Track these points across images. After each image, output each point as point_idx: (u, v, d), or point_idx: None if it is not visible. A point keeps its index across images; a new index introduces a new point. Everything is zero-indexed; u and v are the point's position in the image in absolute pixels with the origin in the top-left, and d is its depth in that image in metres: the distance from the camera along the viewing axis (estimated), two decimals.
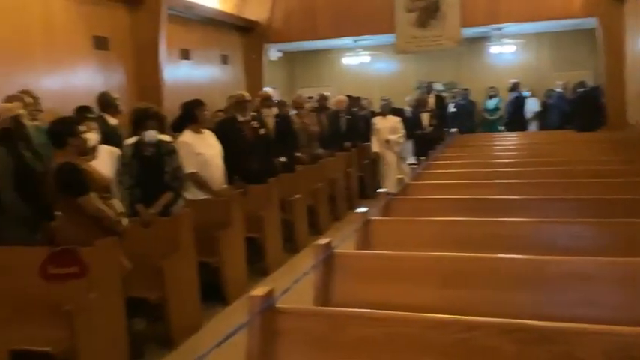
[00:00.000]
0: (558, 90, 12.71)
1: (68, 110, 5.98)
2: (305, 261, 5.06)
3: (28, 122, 4.44)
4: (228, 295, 5.22)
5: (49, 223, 4.02)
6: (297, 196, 6.95)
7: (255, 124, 6.53)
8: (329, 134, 9.24)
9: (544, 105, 13.33)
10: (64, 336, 3.29)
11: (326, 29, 12.97)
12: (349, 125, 9.70)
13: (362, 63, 14.87)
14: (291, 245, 6.84)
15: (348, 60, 14.98)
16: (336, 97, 10.02)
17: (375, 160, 9.80)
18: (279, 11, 13.27)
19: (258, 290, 2.16)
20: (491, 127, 13.40)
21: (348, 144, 9.54)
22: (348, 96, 10.42)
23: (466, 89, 13.77)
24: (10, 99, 4.76)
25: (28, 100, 5.02)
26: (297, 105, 8.86)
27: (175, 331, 4.39)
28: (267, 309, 2.12)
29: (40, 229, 4.02)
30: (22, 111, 4.30)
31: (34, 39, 7.49)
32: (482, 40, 13.93)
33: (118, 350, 3.71)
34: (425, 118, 9.86)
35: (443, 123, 10.68)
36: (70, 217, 3.85)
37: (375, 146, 9.64)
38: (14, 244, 3.91)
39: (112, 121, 5.90)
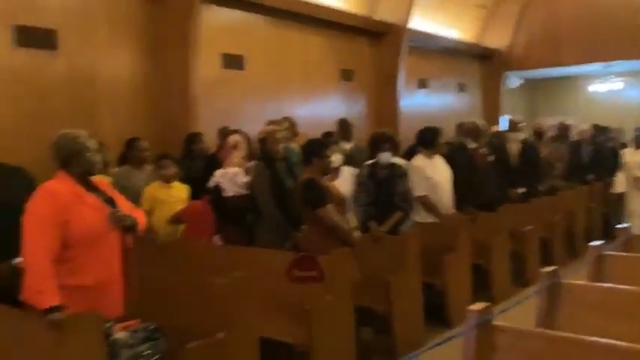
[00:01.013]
0: None
1: (317, 135, 6.74)
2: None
3: (284, 143, 5.14)
4: (452, 318, 5.26)
5: (296, 233, 4.58)
6: (529, 227, 6.73)
7: (484, 151, 6.53)
8: (569, 166, 8.73)
9: None
10: (303, 331, 3.72)
11: (571, 55, 12.35)
12: (592, 157, 9.00)
13: (612, 90, 13.74)
14: (522, 278, 6.61)
15: (596, 87, 13.98)
16: (580, 127, 9.40)
17: (621, 197, 8.85)
18: (521, 38, 13.00)
19: (476, 305, 2.27)
20: None
21: (591, 177, 8.86)
22: (595, 125, 9.71)
23: None
24: (271, 123, 5.57)
25: (286, 124, 5.81)
26: (538, 132, 8.57)
27: (399, 343, 4.59)
28: (484, 323, 2.22)
29: (289, 237, 4.60)
30: (280, 134, 5.01)
31: (293, 72, 8.56)
32: None
33: (346, 352, 4.03)
34: None
35: None
36: (312, 228, 4.36)
37: (620, 184, 8.41)
38: (268, 248, 4.55)
39: (346, 145, 6.64)
